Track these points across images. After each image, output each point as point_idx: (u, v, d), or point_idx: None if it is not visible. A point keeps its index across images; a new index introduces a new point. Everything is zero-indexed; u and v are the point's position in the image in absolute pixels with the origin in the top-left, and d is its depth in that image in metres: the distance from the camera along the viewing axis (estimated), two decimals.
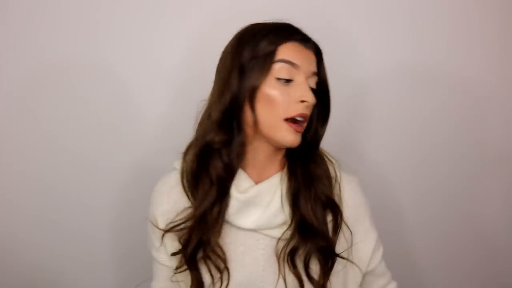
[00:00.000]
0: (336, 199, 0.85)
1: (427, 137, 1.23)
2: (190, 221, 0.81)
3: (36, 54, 1.10)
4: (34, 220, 1.17)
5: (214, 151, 0.80)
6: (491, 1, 1.18)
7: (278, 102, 0.77)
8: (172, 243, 0.85)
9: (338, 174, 0.86)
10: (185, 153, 0.85)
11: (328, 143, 0.89)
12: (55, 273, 1.20)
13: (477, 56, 1.19)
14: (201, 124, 0.83)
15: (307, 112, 0.79)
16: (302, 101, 0.77)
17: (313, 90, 0.80)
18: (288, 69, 0.77)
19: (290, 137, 0.78)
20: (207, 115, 0.81)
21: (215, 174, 0.80)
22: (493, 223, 1.29)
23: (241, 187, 0.82)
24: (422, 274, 1.31)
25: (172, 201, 0.85)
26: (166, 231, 0.83)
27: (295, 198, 0.82)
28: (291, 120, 0.77)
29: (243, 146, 0.80)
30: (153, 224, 0.86)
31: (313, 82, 0.80)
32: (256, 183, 0.83)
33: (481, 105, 1.22)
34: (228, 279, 0.82)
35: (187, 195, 0.83)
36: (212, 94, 0.82)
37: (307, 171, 0.84)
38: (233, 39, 0.82)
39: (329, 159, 0.87)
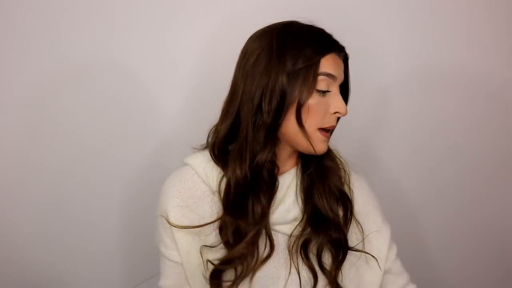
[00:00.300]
0: (348, 193, 0.87)
1: (442, 140, 1.23)
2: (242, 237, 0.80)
3: (56, 53, 1.10)
4: (38, 216, 1.17)
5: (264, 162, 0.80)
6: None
7: (316, 113, 0.78)
8: (186, 237, 0.84)
9: (347, 171, 0.89)
10: (236, 164, 0.80)
11: (344, 145, 0.90)
12: (60, 269, 1.20)
13: (497, 59, 1.19)
14: (224, 120, 0.82)
15: (337, 123, 0.81)
16: (335, 113, 0.79)
17: None
18: (328, 81, 0.78)
19: (322, 145, 0.80)
20: (255, 119, 0.78)
21: (265, 183, 0.80)
22: (508, 224, 1.28)
23: None
24: (435, 274, 1.31)
25: (183, 196, 0.84)
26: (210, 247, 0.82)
27: (308, 193, 0.84)
28: (323, 130, 0.79)
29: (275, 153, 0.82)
30: (165, 219, 0.85)
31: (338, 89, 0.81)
32: None
33: (498, 108, 1.22)
34: (242, 275, 0.82)
35: (228, 207, 0.81)
36: (248, 94, 0.78)
37: (321, 165, 0.85)
38: (265, 38, 0.80)
39: (338, 158, 0.89)
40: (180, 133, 1.12)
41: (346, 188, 0.87)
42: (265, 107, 0.76)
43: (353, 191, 0.88)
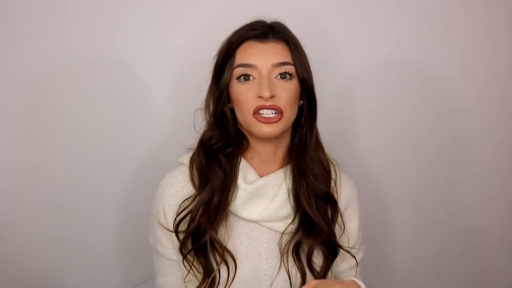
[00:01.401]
0: (334, 194, 0.91)
1: (412, 131, 1.26)
2: (195, 207, 0.84)
3: (50, 51, 1.11)
4: (37, 216, 1.17)
5: (216, 145, 0.86)
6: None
7: (242, 100, 0.82)
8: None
9: (337, 173, 0.93)
10: (197, 152, 0.89)
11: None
12: (59, 269, 1.20)
13: (460, 53, 1.23)
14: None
15: (269, 103, 0.81)
16: (259, 97, 0.81)
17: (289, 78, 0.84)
18: (245, 70, 0.83)
19: (262, 129, 0.81)
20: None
21: (221, 164, 0.86)
22: (476, 216, 1.32)
23: (248, 179, 0.86)
24: (404, 266, 1.34)
25: (179, 195, 0.87)
26: (175, 230, 0.85)
27: (297, 194, 0.88)
28: (257, 114, 0.82)
29: (240, 139, 0.87)
30: (160, 218, 0.88)
31: (283, 69, 0.83)
32: (261, 177, 0.88)
33: (461, 99, 1.26)
34: (235, 272, 0.85)
35: (195, 187, 0.86)
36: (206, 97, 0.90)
37: (301, 169, 0.88)
38: None
39: (330, 160, 0.93)
40: (176, 133, 1.13)
41: (334, 188, 0.91)
42: (208, 105, 0.89)
43: (341, 190, 0.92)
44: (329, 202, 0.89)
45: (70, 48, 1.12)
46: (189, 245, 0.85)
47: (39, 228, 1.17)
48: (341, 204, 0.92)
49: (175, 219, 0.85)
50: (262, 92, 0.80)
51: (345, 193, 0.93)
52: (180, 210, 0.85)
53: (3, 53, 1.09)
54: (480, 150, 1.29)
